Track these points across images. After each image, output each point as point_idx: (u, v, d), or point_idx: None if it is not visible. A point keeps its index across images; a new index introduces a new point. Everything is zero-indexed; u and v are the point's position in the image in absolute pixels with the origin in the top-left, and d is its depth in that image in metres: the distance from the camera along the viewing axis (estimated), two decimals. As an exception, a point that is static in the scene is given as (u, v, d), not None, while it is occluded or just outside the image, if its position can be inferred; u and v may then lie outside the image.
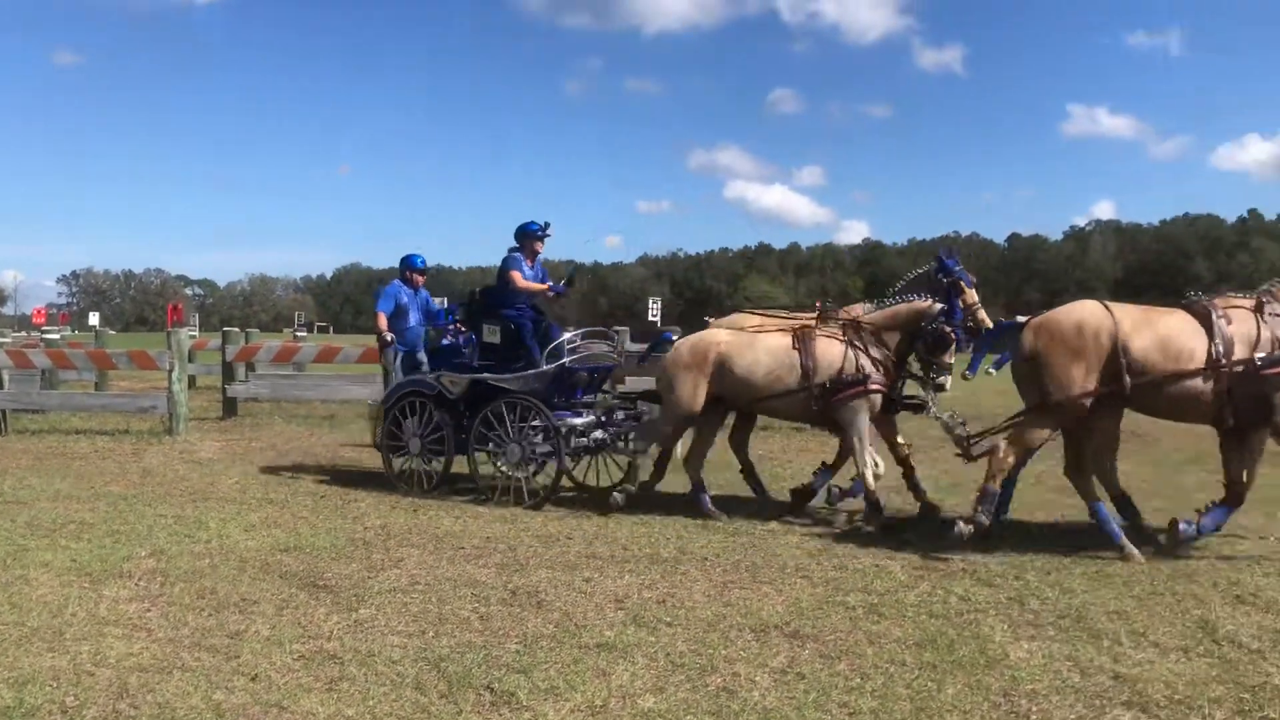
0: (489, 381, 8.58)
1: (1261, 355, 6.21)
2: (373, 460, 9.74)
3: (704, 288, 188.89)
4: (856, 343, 7.57)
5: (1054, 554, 6.40)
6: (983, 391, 10.25)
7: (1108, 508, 6.67)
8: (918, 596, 5.53)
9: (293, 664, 4.50)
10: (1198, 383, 6.30)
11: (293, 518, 7.60)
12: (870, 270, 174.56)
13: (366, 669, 4.43)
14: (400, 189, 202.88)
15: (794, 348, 7.64)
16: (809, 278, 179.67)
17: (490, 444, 8.46)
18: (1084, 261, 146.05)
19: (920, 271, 8.18)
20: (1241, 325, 6.35)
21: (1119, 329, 6.37)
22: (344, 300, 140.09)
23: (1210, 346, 6.27)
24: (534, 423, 8.23)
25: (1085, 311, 6.55)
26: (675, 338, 8.72)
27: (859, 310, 8.02)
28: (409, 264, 10.25)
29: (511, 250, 9.11)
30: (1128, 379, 6.31)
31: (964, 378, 7.84)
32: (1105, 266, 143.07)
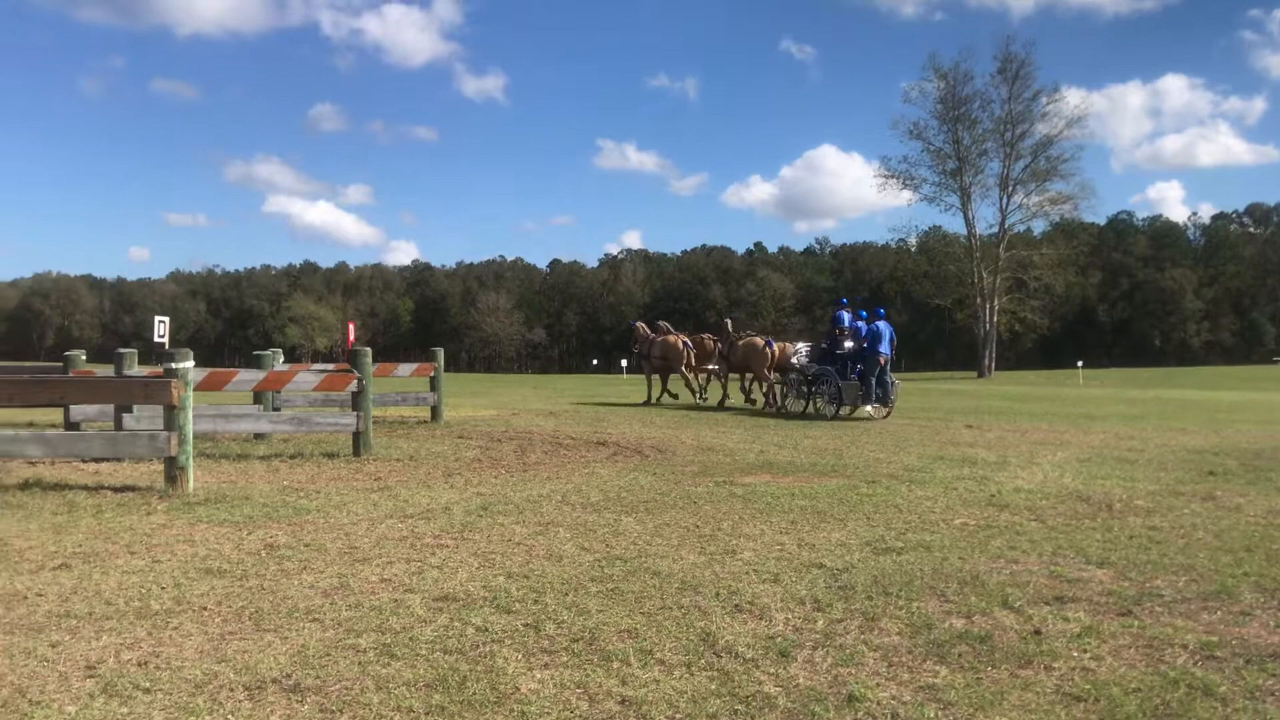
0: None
1: None
2: None
3: (244, 307, 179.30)
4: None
5: (573, 572, 6.44)
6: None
7: None
8: (434, 631, 5.26)
9: None
10: None
11: None
12: (420, 292, 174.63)
13: None
14: None
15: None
16: (358, 298, 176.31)
17: None
18: (616, 286, 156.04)
19: None
20: None
21: None
22: None
23: None
24: None
25: None
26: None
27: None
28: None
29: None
30: None
31: None
32: (635, 291, 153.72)
